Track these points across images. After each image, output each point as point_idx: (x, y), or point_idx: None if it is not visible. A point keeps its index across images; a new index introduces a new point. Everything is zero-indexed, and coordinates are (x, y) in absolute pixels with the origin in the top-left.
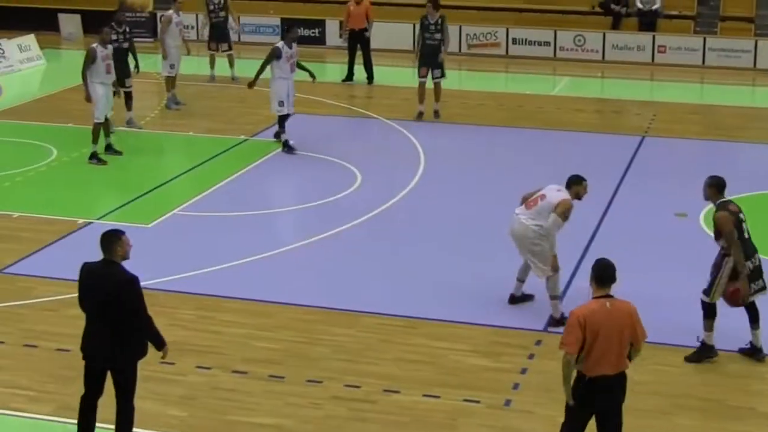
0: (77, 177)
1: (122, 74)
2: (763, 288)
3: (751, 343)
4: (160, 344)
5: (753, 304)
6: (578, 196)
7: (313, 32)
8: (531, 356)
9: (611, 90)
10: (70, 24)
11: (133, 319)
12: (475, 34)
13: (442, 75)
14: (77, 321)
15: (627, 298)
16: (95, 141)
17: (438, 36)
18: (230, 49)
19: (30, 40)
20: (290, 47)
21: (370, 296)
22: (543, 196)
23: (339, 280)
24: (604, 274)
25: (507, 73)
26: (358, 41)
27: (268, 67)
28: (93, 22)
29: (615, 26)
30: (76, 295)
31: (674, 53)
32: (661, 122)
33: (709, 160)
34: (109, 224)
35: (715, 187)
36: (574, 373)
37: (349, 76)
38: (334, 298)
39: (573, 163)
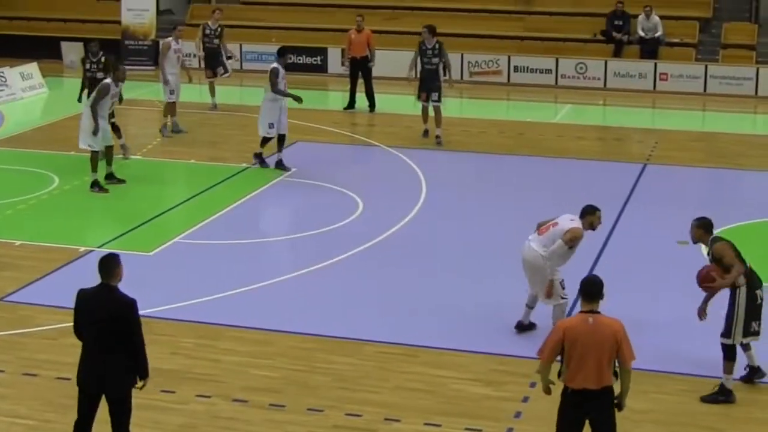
0: (79, 205)
1: None
2: (757, 333)
3: (748, 365)
4: (145, 373)
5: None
6: (592, 227)
7: (314, 60)
8: (533, 384)
9: (613, 117)
10: (72, 52)
11: (130, 344)
12: (476, 62)
13: (439, 99)
14: (78, 350)
15: (629, 325)
16: (95, 169)
17: (435, 60)
18: (226, 71)
19: (32, 68)
20: (284, 68)
21: (371, 324)
22: (555, 224)
23: (339, 308)
24: (589, 289)
25: (508, 101)
26: (359, 69)
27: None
28: None
29: (617, 54)
30: None
31: (676, 81)
32: (662, 150)
33: (711, 188)
34: (111, 252)
35: (703, 227)
36: (561, 386)
37: (351, 104)
38: (334, 326)
39: (575, 191)
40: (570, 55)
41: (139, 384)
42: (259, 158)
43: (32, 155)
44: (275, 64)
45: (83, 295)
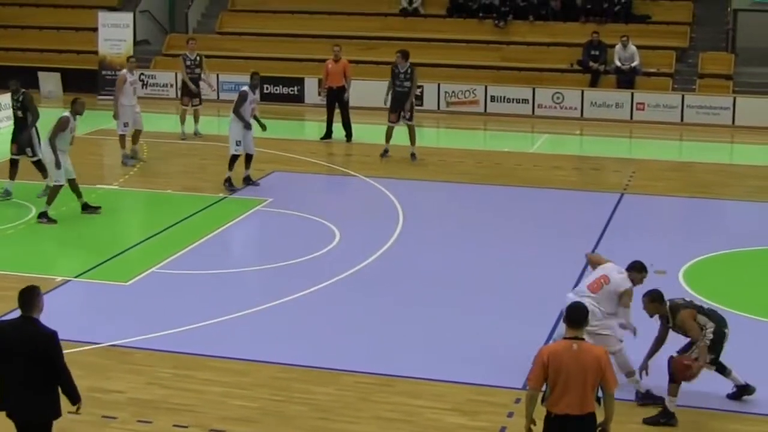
0: (56, 235)
1: (24, 143)
2: (713, 363)
3: (735, 386)
4: (76, 398)
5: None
6: (634, 283)
7: (291, 90)
8: (510, 414)
9: (590, 147)
10: (49, 82)
11: (54, 374)
12: (453, 92)
13: (411, 118)
14: None
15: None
16: (50, 202)
17: (407, 84)
18: (200, 103)
19: (8, 98)
20: (254, 93)
21: (348, 354)
22: (606, 279)
23: (317, 337)
24: (574, 317)
25: (485, 131)
26: (336, 99)
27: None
28: (73, 81)
29: (593, 84)
30: None
31: (653, 110)
32: (639, 179)
33: (688, 217)
34: (88, 282)
35: (656, 300)
36: (543, 411)
37: (328, 134)
38: (311, 356)
39: (552, 221)
40: (547, 85)
41: (73, 409)
42: (228, 183)
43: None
44: (245, 88)
45: (2, 329)
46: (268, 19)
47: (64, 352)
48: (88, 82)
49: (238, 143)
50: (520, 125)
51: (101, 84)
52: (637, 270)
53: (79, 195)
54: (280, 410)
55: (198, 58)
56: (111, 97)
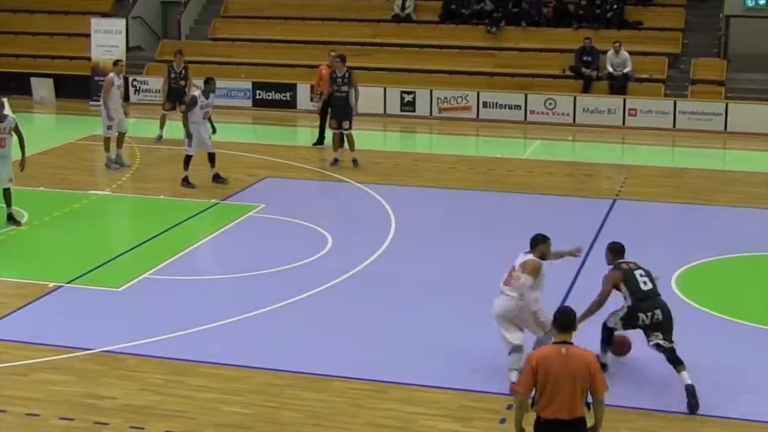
0: (48, 241)
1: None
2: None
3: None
4: None
5: (665, 348)
6: (543, 256)
7: (284, 96)
8: (503, 420)
9: (582, 153)
10: (42, 88)
11: None
12: (446, 98)
13: (350, 127)
14: (47, 386)
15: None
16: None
17: (345, 89)
18: (173, 109)
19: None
20: (206, 97)
21: (341, 360)
22: (513, 267)
23: (309, 344)
24: (564, 321)
25: (478, 137)
26: (329, 105)
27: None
28: (66, 87)
29: (586, 89)
30: (49, 359)
31: (645, 116)
32: (632, 185)
33: (680, 224)
34: (80, 288)
35: (613, 251)
36: (534, 416)
37: (320, 140)
38: (304, 362)
39: (544, 227)
40: (539, 91)
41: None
42: (185, 181)
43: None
44: (197, 92)
45: None
46: (260, 25)
47: (57, 358)
48: (81, 87)
49: (189, 144)
50: (512, 131)
51: (94, 90)
52: (540, 242)
53: (8, 204)
54: (273, 417)
55: (184, 70)
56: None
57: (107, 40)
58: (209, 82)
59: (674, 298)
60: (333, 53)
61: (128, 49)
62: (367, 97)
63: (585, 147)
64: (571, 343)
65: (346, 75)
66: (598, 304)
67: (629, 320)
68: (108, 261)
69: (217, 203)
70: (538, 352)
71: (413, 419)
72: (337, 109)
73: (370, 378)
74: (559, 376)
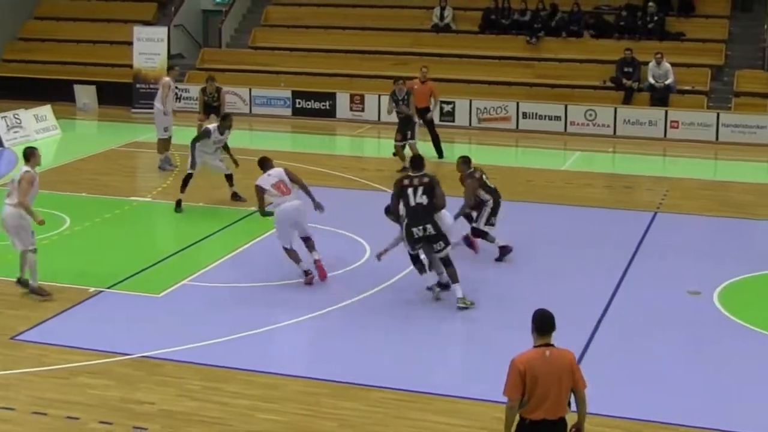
0: (89, 246)
1: None
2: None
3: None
4: None
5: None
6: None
7: (323, 105)
8: None
9: (622, 165)
10: (85, 95)
11: None
12: (485, 108)
13: (413, 137)
14: (87, 389)
15: (635, 375)
16: None
17: (405, 109)
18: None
19: (46, 110)
20: (221, 134)
21: (379, 370)
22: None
23: (347, 353)
24: (544, 324)
25: (517, 147)
26: (420, 119)
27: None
28: (108, 94)
29: (626, 101)
30: (89, 363)
31: (687, 129)
32: (673, 198)
33: (722, 238)
34: (120, 293)
35: (466, 162)
36: (517, 418)
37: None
38: (341, 372)
39: (583, 239)
40: (579, 102)
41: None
42: (178, 205)
43: (44, 196)
44: (212, 127)
45: None
46: (300, 34)
47: (96, 362)
48: (123, 95)
49: (192, 165)
50: (552, 142)
51: (136, 97)
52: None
53: None
54: (308, 425)
55: (216, 94)
56: (146, 110)
57: (149, 48)
58: (226, 119)
59: (717, 313)
60: (424, 69)
61: (170, 57)
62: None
63: (625, 159)
64: (552, 345)
65: (406, 96)
66: (468, 206)
67: (494, 213)
68: (148, 267)
69: (256, 211)
70: (523, 356)
71: (449, 431)
72: (402, 123)
73: (408, 388)
74: (546, 378)
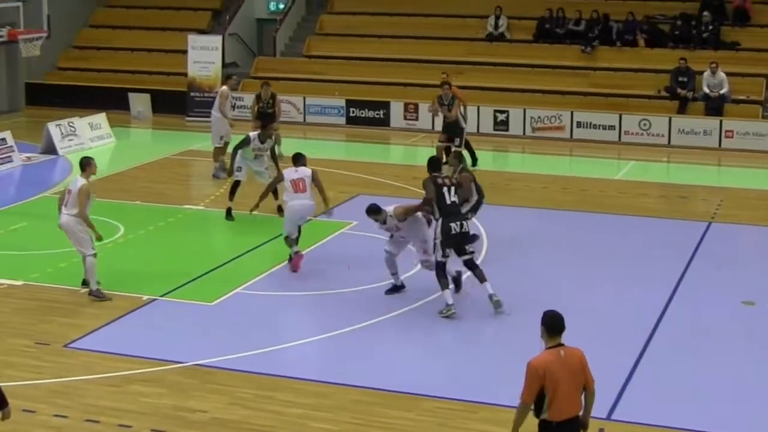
0: (143, 254)
1: None
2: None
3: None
4: (0, 405)
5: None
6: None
7: (377, 114)
8: None
9: (677, 175)
10: (139, 103)
11: None
12: (539, 117)
13: (461, 144)
14: (139, 397)
15: (690, 387)
16: None
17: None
18: (277, 129)
19: (101, 118)
20: (262, 142)
21: (430, 379)
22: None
23: (399, 362)
24: (555, 325)
25: (571, 157)
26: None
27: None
28: (162, 102)
29: (681, 110)
30: (141, 371)
31: (742, 138)
32: (728, 208)
33: None
34: (173, 301)
35: (457, 158)
36: (528, 420)
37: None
38: (393, 381)
39: (637, 249)
40: (634, 112)
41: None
42: (229, 214)
43: (98, 204)
44: (253, 134)
45: None
46: (354, 43)
47: (149, 370)
48: (177, 103)
49: (239, 169)
50: (606, 151)
51: (190, 105)
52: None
53: None
54: None
55: (271, 101)
56: (200, 119)
57: (204, 56)
58: (267, 128)
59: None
60: (444, 75)
61: (224, 65)
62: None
63: (680, 168)
64: (563, 344)
65: (451, 101)
66: (474, 197)
67: (474, 210)
68: (201, 275)
69: (310, 220)
70: (540, 359)
71: None
72: (447, 126)
73: (458, 398)
74: (565, 378)
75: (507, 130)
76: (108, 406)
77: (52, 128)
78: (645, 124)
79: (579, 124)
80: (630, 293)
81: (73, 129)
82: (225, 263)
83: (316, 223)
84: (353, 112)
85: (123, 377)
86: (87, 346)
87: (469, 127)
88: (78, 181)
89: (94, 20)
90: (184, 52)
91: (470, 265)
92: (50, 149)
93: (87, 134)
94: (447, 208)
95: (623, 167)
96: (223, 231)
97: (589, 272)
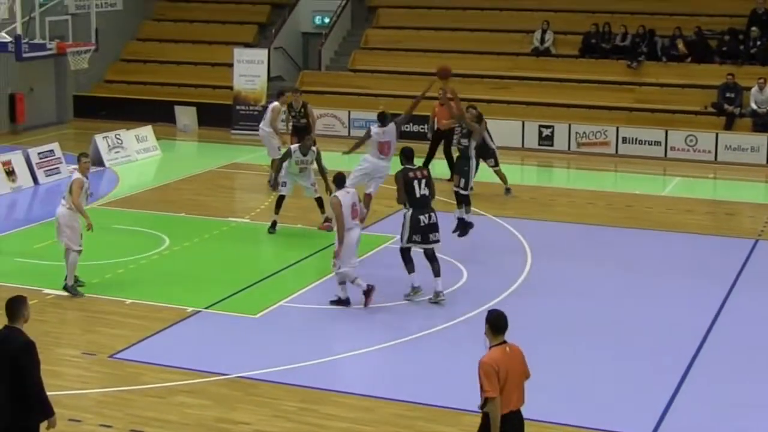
0: (188, 266)
1: None
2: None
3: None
4: (47, 413)
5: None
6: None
7: (422, 128)
8: None
9: (724, 191)
10: (185, 116)
11: (21, 384)
12: (584, 132)
13: (496, 164)
14: (184, 408)
15: (736, 404)
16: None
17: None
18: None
19: (147, 131)
20: (303, 155)
21: (474, 394)
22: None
23: (442, 376)
24: (499, 324)
25: (616, 172)
26: (442, 138)
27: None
28: (208, 115)
29: (728, 126)
30: (185, 382)
31: None
32: None
33: None
34: (217, 313)
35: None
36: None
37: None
38: (436, 395)
39: (683, 266)
40: (680, 127)
41: (45, 424)
42: (273, 226)
43: (144, 216)
44: (294, 147)
45: None
46: (399, 57)
47: (193, 381)
48: (223, 116)
49: (284, 184)
50: (651, 167)
51: (235, 118)
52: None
53: None
54: None
55: (303, 109)
56: (245, 132)
57: (249, 69)
58: (307, 139)
59: None
60: (442, 90)
61: (270, 78)
62: (505, 131)
63: (727, 185)
64: (506, 342)
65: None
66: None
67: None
68: (246, 288)
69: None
70: (492, 356)
71: None
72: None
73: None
74: (513, 372)
75: (552, 145)
76: (153, 416)
77: (99, 140)
78: (691, 140)
79: (624, 140)
80: (676, 309)
81: (119, 141)
82: (269, 276)
83: (361, 236)
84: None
85: (167, 388)
86: (132, 357)
87: (514, 141)
88: (73, 174)
89: (141, 34)
90: (230, 65)
91: (430, 257)
92: (97, 161)
93: (133, 146)
94: (417, 200)
95: (669, 183)
96: (267, 244)
97: (635, 288)
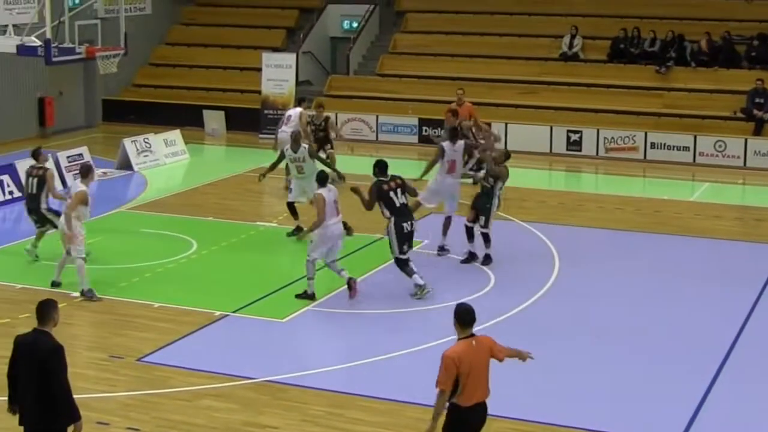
0: (216, 270)
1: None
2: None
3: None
4: (73, 417)
5: None
6: None
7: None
8: None
9: (753, 197)
10: (213, 120)
11: (49, 388)
12: (612, 138)
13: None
14: (211, 412)
15: (763, 413)
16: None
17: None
18: (332, 147)
19: (175, 135)
20: (294, 151)
21: (503, 400)
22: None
23: None
24: (466, 318)
25: (645, 178)
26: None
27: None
28: (236, 119)
29: (757, 132)
30: (213, 386)
31: None
32: None
33: None
34: (245, 317)
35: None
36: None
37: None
38: None
39: (712, 272)
40: (709, 133)
41: (71, 429)
42: (297, 230)
43: (173, 220)
44: (286, 147)
45: (21, 341)
46: (428, 62)
47: (221, 385)
48: (251, 120)
49: (289, 191)
50: (680, 173)
51: (263, 123)
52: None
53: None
54: None
55: (323, 123)
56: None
57: (278, 74)
58: (297, 140)
59: None
60: (460, 91)
61: (298, 83)
62: (533, 136)
63: (756, 191)
64: (474, 335)
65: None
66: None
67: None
68: (273, 292)
69: (382, 238)
70: (455, 350)
71: None
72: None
73: (534, 419)
74: (477, 366)
75: (580, 150)
76: (180, 420)
77: (128, 144)
78: (720, 146)
79: (653, 145)
80: (704, 315)
81: (148, 145)
82: (296, 280)
83: (386, 241)
84: (426, 130)
85: (195, 392)
86: (160, 360)
87: (542, 146)
88: (78, 186)
89: (169, 38)
90: (259, 69)
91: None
92: (126, 165)
93: (162, 150)
94: (397, 210)
95: (698, 189)
96: (294, 248)
97: (663, 294)
